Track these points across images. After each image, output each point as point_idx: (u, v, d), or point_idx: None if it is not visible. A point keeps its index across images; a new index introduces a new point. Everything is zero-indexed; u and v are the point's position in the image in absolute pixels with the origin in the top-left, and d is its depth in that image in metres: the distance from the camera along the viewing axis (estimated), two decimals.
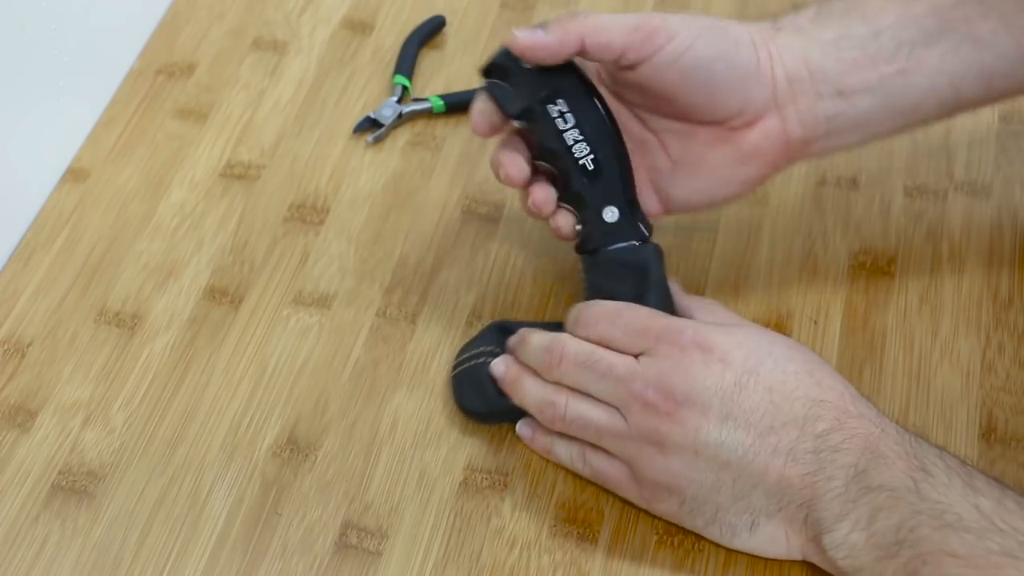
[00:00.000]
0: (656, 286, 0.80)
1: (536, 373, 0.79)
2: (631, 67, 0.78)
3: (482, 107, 0.80)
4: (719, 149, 0.81)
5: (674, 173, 0.83)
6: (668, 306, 0.79)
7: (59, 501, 0.81)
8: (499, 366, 0.81)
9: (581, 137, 0.79)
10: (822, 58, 0.80)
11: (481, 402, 0.81)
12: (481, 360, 0.82)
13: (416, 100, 1.00)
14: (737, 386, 0.73)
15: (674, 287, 0.82)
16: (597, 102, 0.80)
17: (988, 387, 0.84)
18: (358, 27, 1.06)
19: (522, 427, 0.81)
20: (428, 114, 1.00)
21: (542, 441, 0.80)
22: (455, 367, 0.84)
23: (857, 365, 0.85)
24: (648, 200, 0.83)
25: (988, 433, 0.81)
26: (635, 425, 0.74)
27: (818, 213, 0.92)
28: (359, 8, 1.07)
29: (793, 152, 0.82)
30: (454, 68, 1.03)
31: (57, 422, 0.84)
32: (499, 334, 0.83)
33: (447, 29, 1.05)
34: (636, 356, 0.75)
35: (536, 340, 0.79)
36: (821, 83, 0.80)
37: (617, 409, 0.75)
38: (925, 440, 0.72)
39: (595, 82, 0.81)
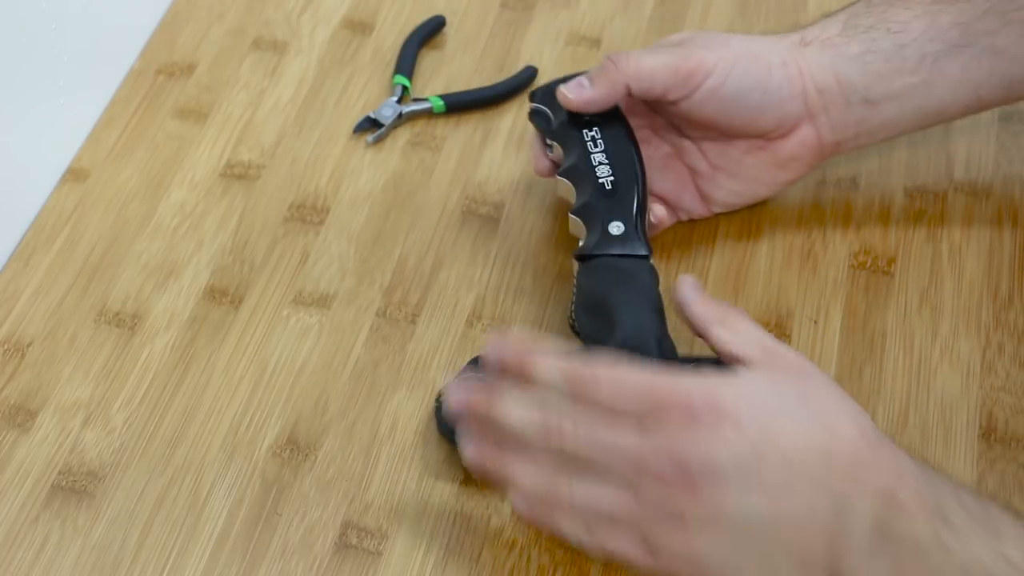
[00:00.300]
0: (647, 299, 0.79)
1: (518, 442, 0.71)
2: (672, 103, 0.84)
3: (538, 152, 0.88)
4: (757, 156, 0.87)
5: (714, 176, 0.88)
6: (659, 321, 0.79)
7: (59, 501, 0.81)
8: (468, 448, 0.73)
9: (606, 161, 0.84)
10: (849, 70, 0.84)
11: None
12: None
13: (416, 100, 1.00)
14: (752, 451, 0.68)
15: (691, 287, 0.75)
16: (627, 136, 0.85)
17: (988, 387, 0.84)
18: (358, 27, 1.06)
19: (517, 501, 0.72)
20: (428, 114, 1.00)
21: (543, 518, 0.72)
22: (438, 398, 0.82)
23: (857, 365, 0.85)
24: (691, 200, 0.90)
25: (988, 433, 0.82)
26: (649, 502, 0.69)
27: (818, 213, 0.92)
28: (359, 8, 1.07)
29: (826, 153, 0.87)
30: (454, 68, 1.03)
31: (57, 422, 0.84)
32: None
33: (447, 29, 1.05)
34: (641, 424, 0.69)
35: (521, 412, 0.71)
36: (850, 93, 0.85)
37: (628, 483, 0.69)
38: (940, 475, 0.70)
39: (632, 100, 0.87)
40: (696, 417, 0.68)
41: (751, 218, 0.92)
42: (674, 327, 0.79)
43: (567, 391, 0.70)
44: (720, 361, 0.77)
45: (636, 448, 0.69)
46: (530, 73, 1.01)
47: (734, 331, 0.73)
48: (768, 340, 0.73)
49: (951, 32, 0.84)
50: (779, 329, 0.87)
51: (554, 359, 0.71)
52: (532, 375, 0.71)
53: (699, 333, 0.75)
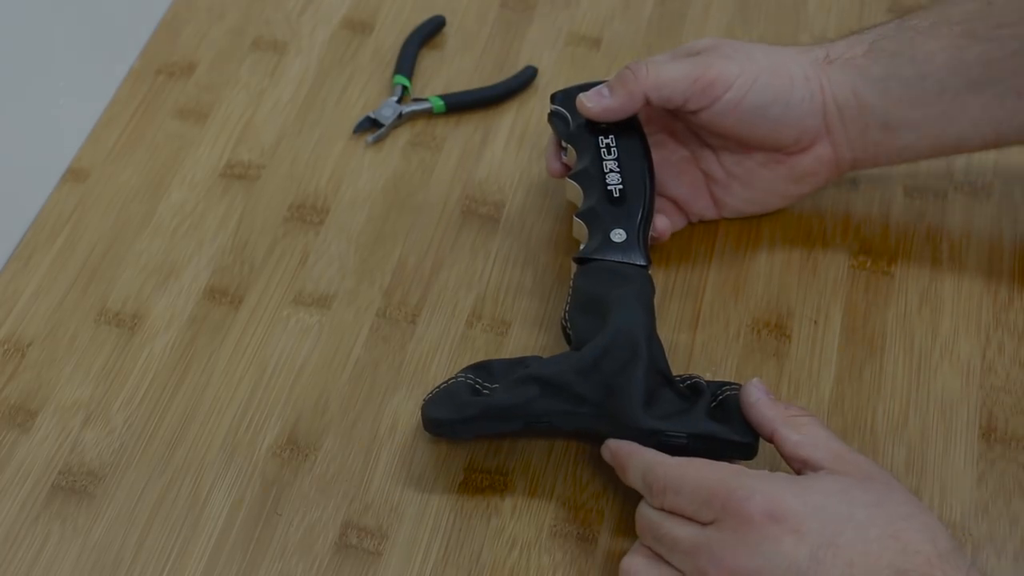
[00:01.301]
0: (641, 300, 0.79)
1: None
2: (692, 112, 0.84)
3: (551, 153, 0.89)
4: (773, 169, 0.87)
5: (728, 184, 0.89)
6: (651, 321, 0.79)
7: (59, 501, 0.81)
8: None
9: (617, 169, 0.84)
10: (869, 92, 0.84)
11: (450, 410, 0.78)
12: (453, 379, 0.80)
13: (416, 100, 1.00)
14: (813, 561, 0.66)
15: (759, 389, 0.75)
16: (642, 147, 0.86)
17: (988, 387, 0.84)
18: (358, 27, 1.06)
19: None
20: (428, 114, 1.00)
21: None
22: (425, 398, 0.82)
23: (857, 365, 0.85)
24: (704, 205, 0.90)
25: (988, 433, 0.82)
26: None
27: (818, 213, 0.92)
28: (359, 8, 1.07)
29: (843, 169, 0.87)
30: (454, 68, 1.03)
31: (57, 422, 0.84)
32: (473, 369, 0.81)
33: (447, 29, 1.05)
34: (707, 523, 0.70)
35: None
36: (869, 115, 0.84)
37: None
38: None
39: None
40: (754, 523, 0.68)
41: (751, 218, 0.92)
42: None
43: (649, 493, 0.73)
44: (727, 384, 0.77)
45: (691, 548, 0.70)
46: (530, 73, 1.01)
47: (803, 434, 0.73)
48: (838, 444, 0.72)
49: (975, 69, 0.83)
50: (779, 329, 0.87)
51: (639, 458, 0.74)
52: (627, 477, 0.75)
53: (766, 435, 0.74)
